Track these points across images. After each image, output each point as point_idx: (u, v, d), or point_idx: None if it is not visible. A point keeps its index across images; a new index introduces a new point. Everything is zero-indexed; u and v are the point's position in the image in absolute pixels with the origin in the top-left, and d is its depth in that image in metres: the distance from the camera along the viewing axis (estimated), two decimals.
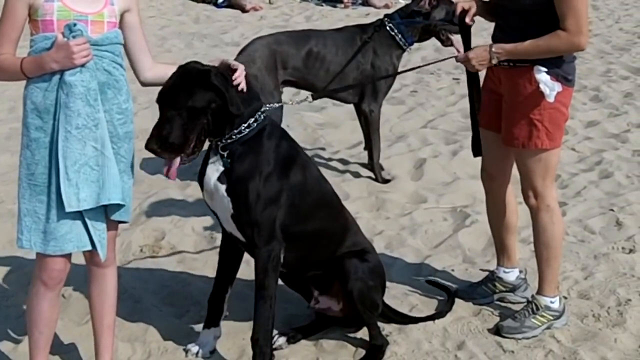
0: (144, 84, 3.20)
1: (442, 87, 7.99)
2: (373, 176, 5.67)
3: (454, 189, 5.50)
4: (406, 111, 7.18)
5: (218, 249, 4.52)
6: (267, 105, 3.31)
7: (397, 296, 4.05)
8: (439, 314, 3.86)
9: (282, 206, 3.20)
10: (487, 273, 4.10)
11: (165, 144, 3.02)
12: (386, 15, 5.50)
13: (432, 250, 4.63)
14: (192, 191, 5.46)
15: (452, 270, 4.36)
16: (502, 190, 3.86)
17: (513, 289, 3.97)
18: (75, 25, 2.85)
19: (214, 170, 3.22)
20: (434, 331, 3.75)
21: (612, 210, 5.16)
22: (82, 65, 2.87)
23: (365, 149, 5.95)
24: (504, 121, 3.62)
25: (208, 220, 4.96)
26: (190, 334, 3.68)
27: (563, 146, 6.29)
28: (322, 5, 12.84)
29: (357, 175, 5.74)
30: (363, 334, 3.68)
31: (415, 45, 5.65)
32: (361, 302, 3.45)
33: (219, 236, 4.70)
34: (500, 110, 3.65)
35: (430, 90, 7.89)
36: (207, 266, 4.38)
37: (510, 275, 3.96)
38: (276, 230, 3.19)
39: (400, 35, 5.39)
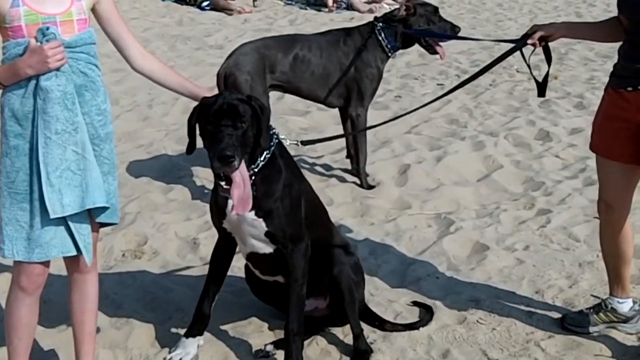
0: (137, 71, 3.17)
1: (426, 93, 7.96)
2: (357, 182, 5.64)
3: (438, 195, 5.48)
4: (390, 116, 7.16)
5: (200, 255, 4.51)
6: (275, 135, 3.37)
7: (381, 303, 4.03)
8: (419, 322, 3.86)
9: (302, 206, 3.44)
10: (597, 301, 3.96)
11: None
12: (375, 19, 5.51)
13: (417, 257, 4.61)
14: (175, 195, 5.41)
15: (437, 277, 4.34)
16: (621, 221, 3.75)
17: (626, 320, 3.84)
18: (48, 29, 2.80)
19: None
20: (419, 339, 3.73)
21: (596, 217, 5.10)
22: (57, 69, 2.82)
23: (347, 157, 5.92)
24: None
25: (191, 225, 4.91)
26: (173, 340, 3.63)
27: (547, 153, 6.32)
28: (306, 9, 12.82)
29: (341, 180, 5.71)
30: (347, 341, 3.66)
31: (400, 50, 5.64)
32: (347, 288, 3.55)
33: (202, 241, 4.67)
34: (631, 140, 3.52)
35: (415, 96, 7.87)
36: (190, 272, 4.34)
37: (625, 305, 3.84)
38: (303, 227, 3.44)
39: (385, 41, 5.39)
